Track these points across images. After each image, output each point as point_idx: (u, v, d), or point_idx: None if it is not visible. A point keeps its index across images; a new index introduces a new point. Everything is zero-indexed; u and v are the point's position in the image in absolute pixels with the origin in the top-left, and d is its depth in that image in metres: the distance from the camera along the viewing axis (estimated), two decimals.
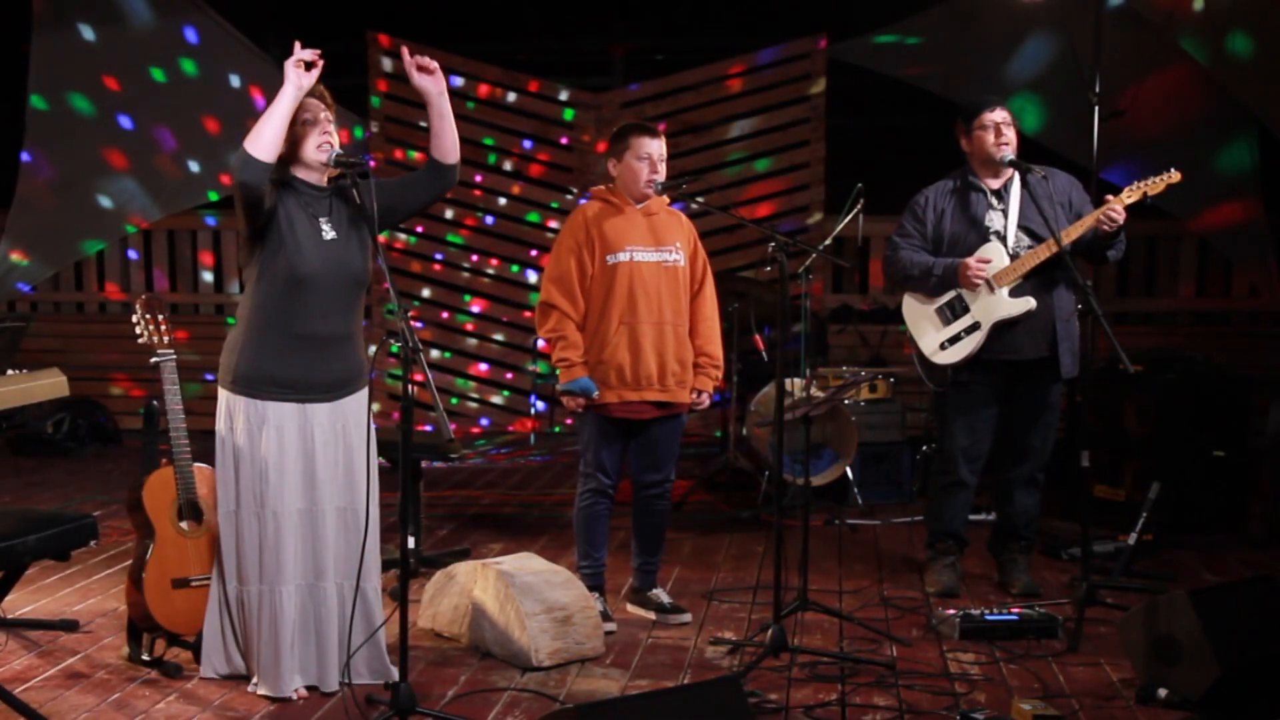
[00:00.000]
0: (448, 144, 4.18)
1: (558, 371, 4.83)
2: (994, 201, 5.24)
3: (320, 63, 3.90)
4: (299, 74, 3.88)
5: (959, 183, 5.30)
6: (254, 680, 4.14)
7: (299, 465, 4.09)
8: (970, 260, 5.12)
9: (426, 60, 4.04)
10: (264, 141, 3.86)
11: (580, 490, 4.94)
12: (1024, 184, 5.13)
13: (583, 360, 4.78)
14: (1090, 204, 5.29)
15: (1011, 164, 5.14)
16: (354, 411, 4.18)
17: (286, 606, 4.06)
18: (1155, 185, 5.10)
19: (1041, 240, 5.15)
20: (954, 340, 5.19)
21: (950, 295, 5.19)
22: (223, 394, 4.14)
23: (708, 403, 5.00)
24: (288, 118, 3.90)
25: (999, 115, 5.21)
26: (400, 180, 4.29)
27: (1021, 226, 5.20)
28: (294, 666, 4.08)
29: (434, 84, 4.08)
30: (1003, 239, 5.19)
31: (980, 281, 5.11)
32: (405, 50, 4.09)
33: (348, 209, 4.16)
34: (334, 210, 4.14)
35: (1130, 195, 5.08)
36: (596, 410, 4.82)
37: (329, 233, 4.09)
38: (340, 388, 4.14)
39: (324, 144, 4.06)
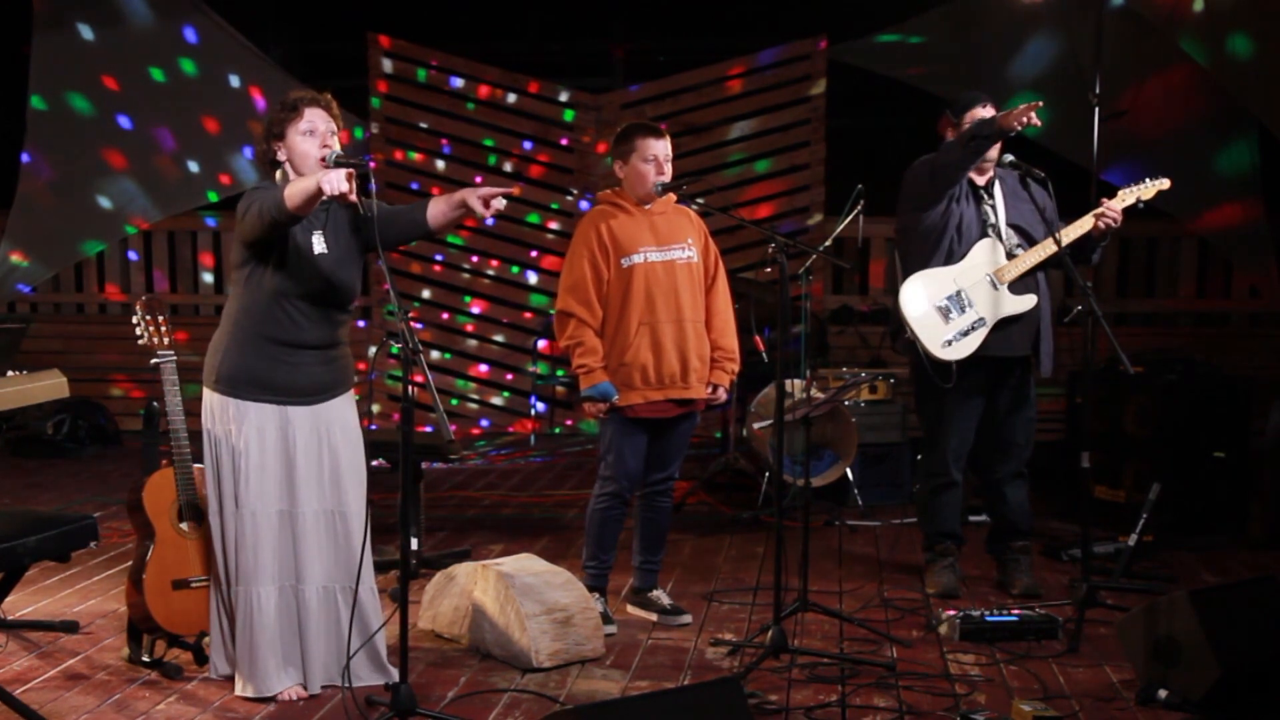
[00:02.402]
0: (444, 226, 4.21)
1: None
2: (985, 197, 5.24)
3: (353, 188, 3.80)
4: (330, 184, 3.72)
5: None
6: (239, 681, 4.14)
7: (279, 466, 4.09)
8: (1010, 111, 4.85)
9: (499, 204, 4.00)
10: (297, 203, 3.81)
11: (598, 492, 4.92)
12: (1023, 184, 5.12)
13: (602, 365, 4.77)
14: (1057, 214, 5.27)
15: (1012, 165, 5.12)
16: (339, 415, 4.19)
17: (264, 607, 4.06)
18: (1147, 190, 5.14)
19: (1031, 238, 5.16)
20: (958, 337, 5.15)
21: (951, 292, 5.15)
22: (206, 393, 4.15)
23: (724, 397, 4.98)
24: (317, 195, 3.79)
25: (991, 113, 5.17)
26: (391, 210, 4.23)
27: (1011, 224, 5.20)
28: (275, 667, 4.08)
29: (483, 211, 4.02)
30: (998, 234, 5.19)
31: (1027, 119, 4.79)
32: (511, 193, 4.07)
33: (346, 219, 4.15)
34: (330, 221, 4.13)
35: (1123, 200, 5.11)
36: (620, 413, 4.81)
37: (319, 246, 4.08)
38: (322, 392, 4.15)
39: (323, 156, 4.04)
